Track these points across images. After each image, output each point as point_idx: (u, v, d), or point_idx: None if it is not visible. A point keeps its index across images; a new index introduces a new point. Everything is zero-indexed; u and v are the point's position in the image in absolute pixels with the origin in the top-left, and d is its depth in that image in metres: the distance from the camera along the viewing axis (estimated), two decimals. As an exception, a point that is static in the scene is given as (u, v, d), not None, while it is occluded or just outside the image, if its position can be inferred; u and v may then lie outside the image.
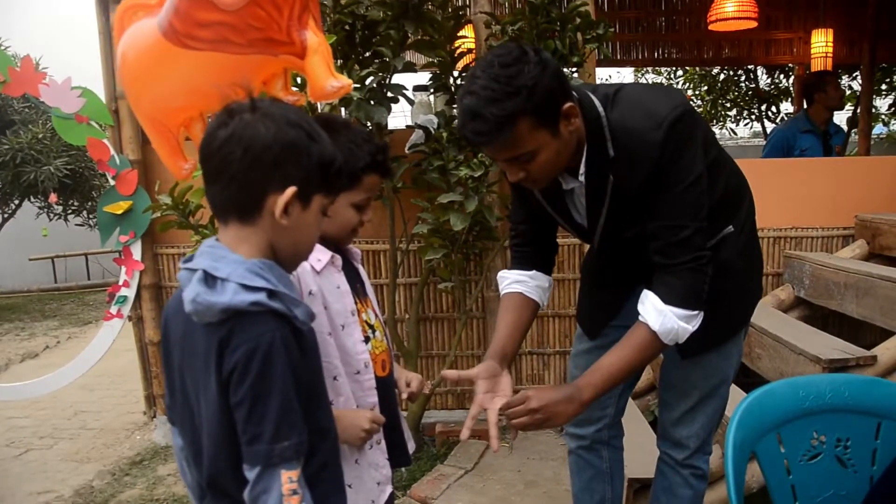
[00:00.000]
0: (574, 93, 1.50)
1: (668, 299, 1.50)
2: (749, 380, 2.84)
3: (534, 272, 1.79)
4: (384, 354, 1.63)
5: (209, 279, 1.04)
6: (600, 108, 1.51)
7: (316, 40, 1.51)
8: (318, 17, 1.58)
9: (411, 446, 1.73)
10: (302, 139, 1.06)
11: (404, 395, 1.68)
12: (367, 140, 1.50)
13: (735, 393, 2.36)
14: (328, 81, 1.49)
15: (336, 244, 1.55)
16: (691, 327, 1.52)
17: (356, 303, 1.55)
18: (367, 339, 1.56)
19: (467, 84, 1.41)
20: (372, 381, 1.55)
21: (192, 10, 1.47)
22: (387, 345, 1.66)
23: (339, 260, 1.53)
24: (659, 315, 1.50)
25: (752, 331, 2.80)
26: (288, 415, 1.03)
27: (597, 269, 1.95)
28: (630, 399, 2.41)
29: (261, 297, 1.03)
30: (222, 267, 1.04)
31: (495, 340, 1.74)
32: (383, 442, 1.58)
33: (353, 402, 1.52)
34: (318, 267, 1.48)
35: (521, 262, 1.82)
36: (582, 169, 1.55)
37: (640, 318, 1.53)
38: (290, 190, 1.05)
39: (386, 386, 1.61)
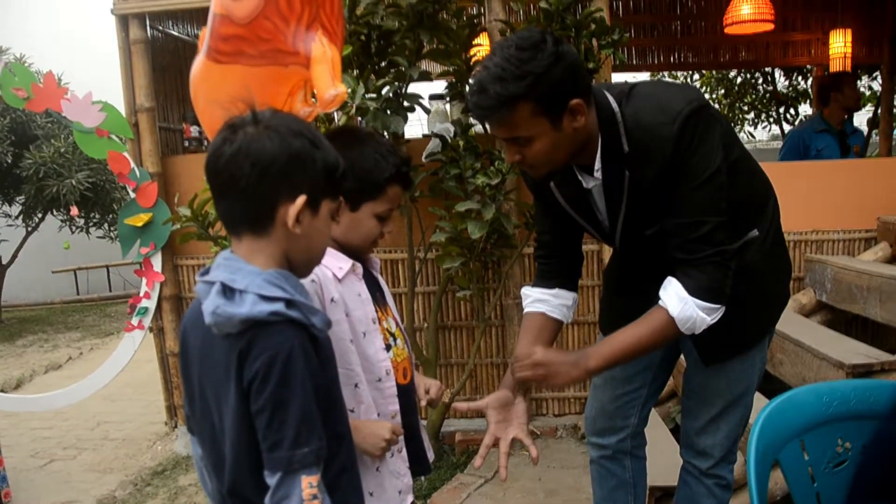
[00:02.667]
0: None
1: (691, 290, 1.49)
2: (771, 386, 2.81)
3: (557, 290, 1.78)
4: (405, 362, 1.64)
5: (227, 291, 1.06)
6: (614, 105, 1.51)
7: (321, 49, 1.54)
8: (334, 26, 1.60)
9: (430, 455, 1.73)
10: (306, 148, 1.08)
11: (423, 402, 1.68)
12: (391, 151, 1.52)
13: (757, 399, 2.33)
14: (327, 91, 1.53)
15: (357, 253, 1.56)
16: (710, 319, 1.51)
17: (377, 311, 1.56)
18: (388, 347, 1.57)
19: (485, 59, 1.44)
20: (393, 388, 1.55)
21: (216, 25, 1.54)
22: (408, 353, 1.67)
23: (359, 268, 1.54)
24: (680, 302, 1.49)
25: (774, 336, 2.77)
26: (308, 421, 1.05)
27: (619, 275, 1.94)
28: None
29: (279, 306, 1.05)
30: (240, 279, 1.06)
31: (511, 368, 1.75)
32: (405, 450, 1.59)
33: (374, 409, 1.52)
34: (340, 275, 1.49)
35: (545, 277, 1.81)
36: (597, 165, 1.55)
37: (660, 302, 1.53)
38: (301, 199, 1.08)
39: (407, 394, 1.61)
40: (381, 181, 1.48)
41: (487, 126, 1.49)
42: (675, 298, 1.50)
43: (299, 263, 1.16)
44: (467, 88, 3.03)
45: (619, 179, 1.55)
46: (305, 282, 1.35)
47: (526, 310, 1.81)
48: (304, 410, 1.05)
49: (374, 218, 1.52)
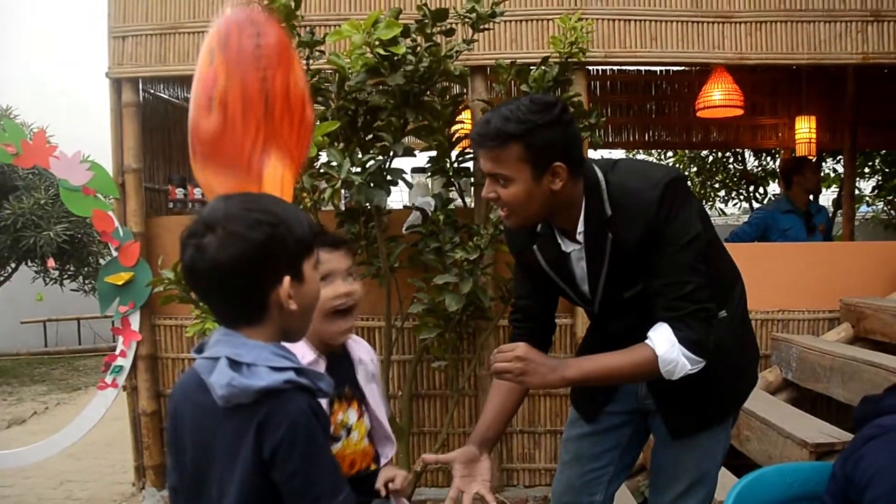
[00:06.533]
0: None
1: (680, 338, 1.56)
2: (738, 461, 2.86)
3: None
4: (356, 455, 1.65)
5: (234, 365, 1.10)
6: (600, 174, 1.63)
7: (271, 173, 1.63)
8: (294, 142, 1.69)
9: None
10: (270, 233, 1.12)
11: (382, 493, 1.66)
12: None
13: (725, 475, 2.38)
14: None
15: (330, 341, 1.60)
16: (690, 368, 1.58)
17: (333, 403, 1.60)
18: (336, 439, 1.60)
19: (502, 103, 1.59)
20: None
21: (192, 127, 1.65)
22: (366, 445, 1.68)
23: (322, 363, 1.59)
24: (668, 343, 1.56)
25: (740, 413, 2.83)
26: (336, 470, 1.14)
27: (595, 348, 1.99)
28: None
29: (291, 375, 1.11)
30: (245, 353, 1.11)
31: (479, 424, 1.81)
32: None
33: None
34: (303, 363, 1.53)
35: (520, 338, 1.85)
36: (580, 228, 1.65)
37: (647, 340, 1.59)
38: (286, 281, 1.13)
39: (354, 484, 1.62)
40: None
41: (479, 157, 1.61)
42: (665, 340, 1.57)
43: (297, 327, 1.22)
44: (449, 163, 3.16)
45: (601, 242, 1.64)
46: None
47: None
48: (331, 463, 1.13)
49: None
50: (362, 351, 1.73)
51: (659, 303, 1.60)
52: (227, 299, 1.14)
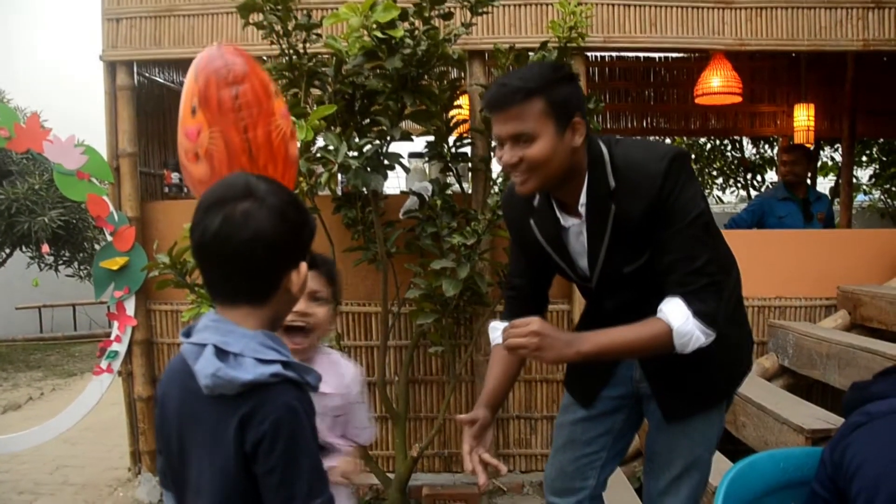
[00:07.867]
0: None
1: (693, 311, 1.56)
2: (734, 447, 2.87)
3: None
4: None
5: (220, 354, 1.07)
6: (603, 147, 1.63)
7: None
8: (282, 177, 1.71)
9: None
10: (299, 217, 1.13)
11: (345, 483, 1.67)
12: None
13: (721, 461, 2.39)
14: None
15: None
16: (704, 340, 1.58)
17: None
18: None
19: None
20: None
21: (182, 167, 1.70)
22: None
23: None
24: (682, 316, 1.56)
25: (737, 399, 2.83)
26: (318, 473, 1.10)
27: (593, 327, 1.98)
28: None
29: (278, 368, 1.08)
30: (233, 341, 1.08)
31: (485, 391, 1.84)
32: None
33: None
34: None
35: (513, 314, 1.86)
36: (583, 200, 1.64)
37: (659, 314, 1.59)
38: (304, 266, 1.13)
39: None
40: None
41: (496, 124, 1.59)
42: (679, 313, 1.57)
43: (282, 316, 1.20)
44: (446, 148, 3.14)
45: (603, 215, 1.64)
46: None
47: (494, 343, 1.89)
48: (313, 464, 1.09)
49: None
50: (331, 381, 1.66)
51: (671, 279, 1.60)
52: (244, 271, 1.09)
